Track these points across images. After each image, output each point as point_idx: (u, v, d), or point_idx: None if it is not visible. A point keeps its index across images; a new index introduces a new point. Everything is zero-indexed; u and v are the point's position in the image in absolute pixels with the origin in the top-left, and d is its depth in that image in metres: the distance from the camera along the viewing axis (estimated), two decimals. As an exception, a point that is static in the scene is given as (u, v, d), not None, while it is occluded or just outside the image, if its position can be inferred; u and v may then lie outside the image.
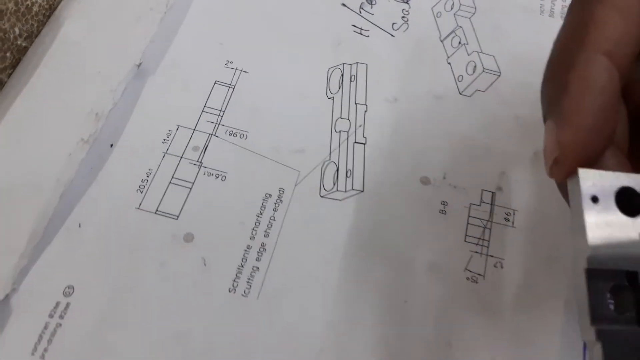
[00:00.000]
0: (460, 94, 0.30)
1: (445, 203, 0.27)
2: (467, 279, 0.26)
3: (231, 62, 0.30)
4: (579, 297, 0.16)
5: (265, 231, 0.26)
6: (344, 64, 0.31)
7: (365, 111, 0.30)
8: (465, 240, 0.26)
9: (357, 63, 0.31)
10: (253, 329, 0.24)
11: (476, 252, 0.26)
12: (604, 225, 0.16)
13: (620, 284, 0.16)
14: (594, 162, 0.17)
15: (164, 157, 0.27)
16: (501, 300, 0.25)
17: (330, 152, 0.28)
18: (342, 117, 0.29)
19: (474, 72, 0.31)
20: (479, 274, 0.26)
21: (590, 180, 0.16)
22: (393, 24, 0.33)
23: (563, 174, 0.17)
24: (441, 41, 0.32)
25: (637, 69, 0.18)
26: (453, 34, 0.32)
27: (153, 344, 0.23)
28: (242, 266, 0.25)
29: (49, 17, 0.31)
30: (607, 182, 0.16)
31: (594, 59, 0.17)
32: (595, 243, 0.16)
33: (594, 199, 0.16)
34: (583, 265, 0.16)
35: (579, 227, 0.16)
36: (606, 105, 0.17)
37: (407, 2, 0.34)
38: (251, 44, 0.31)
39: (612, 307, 0.16)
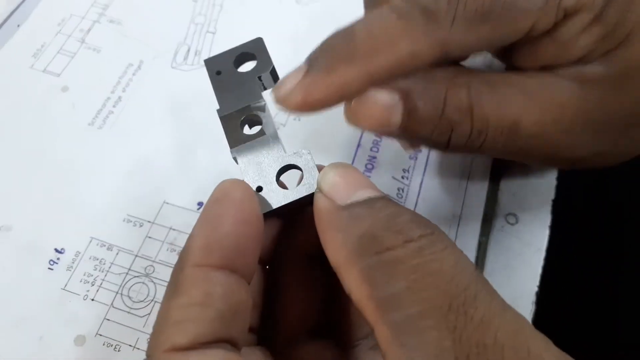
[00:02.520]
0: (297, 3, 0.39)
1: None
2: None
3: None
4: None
5: (124, 88, 0.35)
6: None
7: (219, 11, 0.38)
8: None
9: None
10: (104, 152, 0.33)
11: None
12: (228, 85, 0.22)
13: (249, 115, 0.21)
14: None
15: (56, 35, 0.36)
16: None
17: (185, 38, 0.37)
18: (201, 14, 0.38)
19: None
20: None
21: (213, 62, 0.22)
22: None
23: None
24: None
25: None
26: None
27: (24, 157, 0.32)
28: (101, 110, 0.34)
29: None
30: (226, 58, 0.22)
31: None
32: (222, 97, 0.22)
33: (218, 73, 0.22)
34: (219, 115, 0.21)
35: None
36: None
37: None
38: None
39: (246, 132, 0.21)
